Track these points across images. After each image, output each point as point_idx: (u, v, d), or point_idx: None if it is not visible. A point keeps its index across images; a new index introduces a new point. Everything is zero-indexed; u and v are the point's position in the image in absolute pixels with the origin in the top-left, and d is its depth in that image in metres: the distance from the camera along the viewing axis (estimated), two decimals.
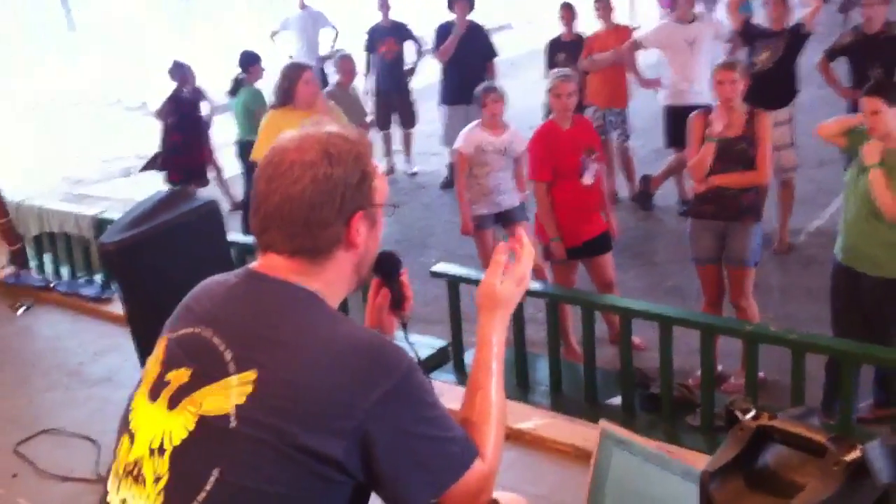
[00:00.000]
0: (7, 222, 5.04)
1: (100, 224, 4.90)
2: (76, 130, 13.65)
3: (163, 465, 1.50)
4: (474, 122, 5.86)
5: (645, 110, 8.62)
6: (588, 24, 8.34)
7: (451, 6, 8.67)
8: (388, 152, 9.66)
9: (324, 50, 10.23)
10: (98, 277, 4.67)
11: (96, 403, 3.23)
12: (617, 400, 4.01)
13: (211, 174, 8.83)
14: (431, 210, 8.44)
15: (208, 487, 1.44)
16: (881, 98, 4.08)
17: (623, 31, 8.06)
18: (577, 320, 4.54)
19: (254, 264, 1.65)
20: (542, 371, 4.28)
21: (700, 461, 2.15)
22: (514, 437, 2.84)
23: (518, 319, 4.08)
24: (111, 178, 11.13)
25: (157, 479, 1.50)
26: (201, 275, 1.78)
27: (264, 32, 10.78)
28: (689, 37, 7.34)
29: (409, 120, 9.52)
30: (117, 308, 4.06)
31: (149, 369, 1.63)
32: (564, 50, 8.08)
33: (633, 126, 8.11)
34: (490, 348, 1.75)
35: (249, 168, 7.58)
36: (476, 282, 4.30)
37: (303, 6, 10.39)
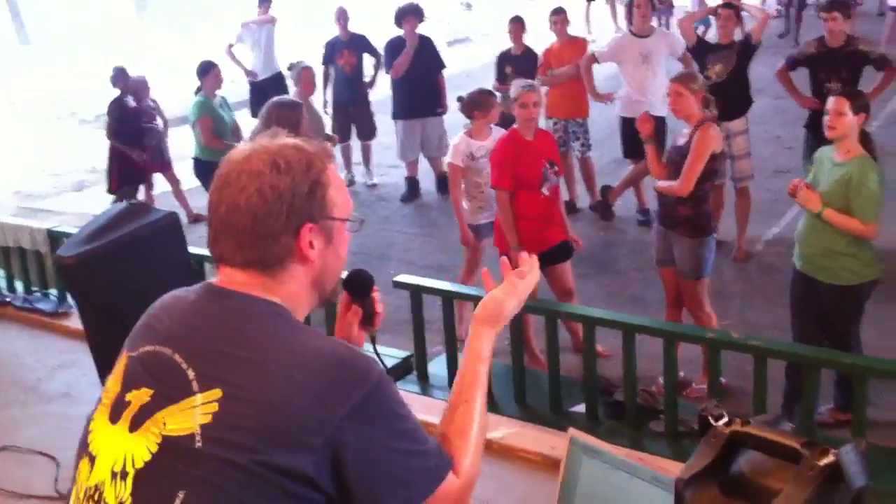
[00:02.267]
0: None
1: (55, 237, 4.80)
2: (28, 144, 13.43)
3: (125, 489, 1.44)
4: (461, 132, 5.85)
5: (601, 121, 8.69)
6: (542, 37, 8.42)
7: (399, 22, 8.71)
8: (348, 165, 9.64)
9: (281, 62, 10.18)
10: (54, 292, 4.59)
11: (55, 420, 3.16)
12: (581, 407, 4.01)
13: (166, 187, 8.79)
14: (391, 222, 8.43)
15: None
16: (849, 102, 4.26)
17: (579, 44, 8.16)
18: (538, 329, 4.54)
19: (213, 279, 1.61)
20: (505, 379, 4.27)
21: (668, 467, 2.16)
22: (484, 447, 2.82)
23: None
24: (63, 191, 10.98)
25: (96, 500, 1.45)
26: (162, 288, 1.73)
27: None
28: (644, 50, 7.44)
29: (368, 132, 9.51)
30: (74, 323, 3.98)
31: (108, 388, 1.57)
32: (513, 63, 8.15)
33: (591, 137, 8.19)
34: (482, 361, 1.72)
35: (206, 184, 7.56)
36: (437, 291, 4.35)
37: (264, 17, 10.33)
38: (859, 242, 4.29)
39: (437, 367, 4.41)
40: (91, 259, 2.93)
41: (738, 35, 7.06)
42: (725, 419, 1.48)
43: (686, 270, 4.91)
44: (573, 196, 8.15)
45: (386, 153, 9.80)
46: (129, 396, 1.51)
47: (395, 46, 8.83)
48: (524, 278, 1.80)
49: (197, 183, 8.14)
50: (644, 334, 3.79)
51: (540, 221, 5.21)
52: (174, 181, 8.82)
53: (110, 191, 8.47)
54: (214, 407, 1.42)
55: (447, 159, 5.97)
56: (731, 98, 6.51)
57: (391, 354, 4.31)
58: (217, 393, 1.43)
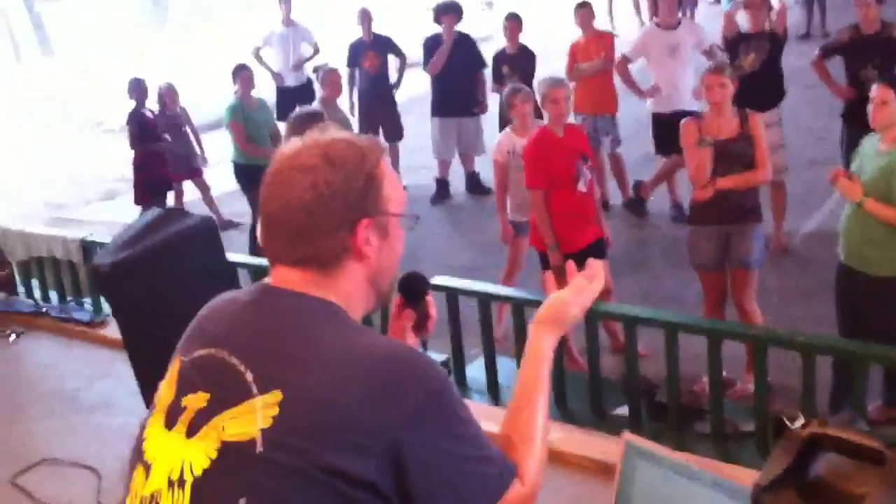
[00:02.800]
0: None
1: (87, 247, 4.82)
2: (53, 154, 13.53)
3: (183, 497, 1.39)
4: (507, 128, 5.83)
5: (629, 116, 8.60)
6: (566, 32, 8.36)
7: (437, 19, 8.68)
8: None
9: (307, 66, 10.16)
10: (88, 301, 4.59)
11: (94, 430, 3.15)
12: (623, 409, 3.94)
13: (196, 194, 8.80)
14: (421, 223, 8.33)
15: None
16: (894, 90, 4.16)
17: (605, 38, 8.09)
18: (577, 330, 4.47)
19: (267, 279, 1.55)
20: None
21: (720, 470, 2.09)
22: None
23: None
24: (93, 201, 11.04)
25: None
26: (199, 294, 1.69)
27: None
28: (672, 42, 7.37)
29: (395, 134, 9.47)
30: (111, 332, 3.97)
31: (161, 394, 1.52)
32: (509, 62, 8.10)
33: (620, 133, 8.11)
34: (545, 363, 1.66)
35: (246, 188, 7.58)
36: (475, 293, 4.29)
37: (287, 22, 10.29)
38: None
39: (475, 370, 4.37)
40: (126, 267, 2.91)
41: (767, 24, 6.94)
42: (801, 421, 1.42)
43: (752, 260, 4.83)
44: (605, 193, 8.05)
45: (413, 154, 9.75)
46: (184, 402, 1.46)
47: (433, 44, 8.79)
48: (591, 282, 1.73)
49: (232, 187, 8.14)
50: (687, 333, 3.71)
51: (575, 218, 5.15)
52: (204, 188, 8.83)
53: (137, 202, 8.50)
54: (275, 410, 1.36)
55: (492, 154, 5.94)
56: (764, 88, 6.44)
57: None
58: (277, 395, 1.37)
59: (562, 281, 1.74)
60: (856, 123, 5.42)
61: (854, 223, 4.35)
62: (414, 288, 1.85)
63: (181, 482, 1.40)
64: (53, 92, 17.47)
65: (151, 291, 2.94)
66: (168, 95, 8.46)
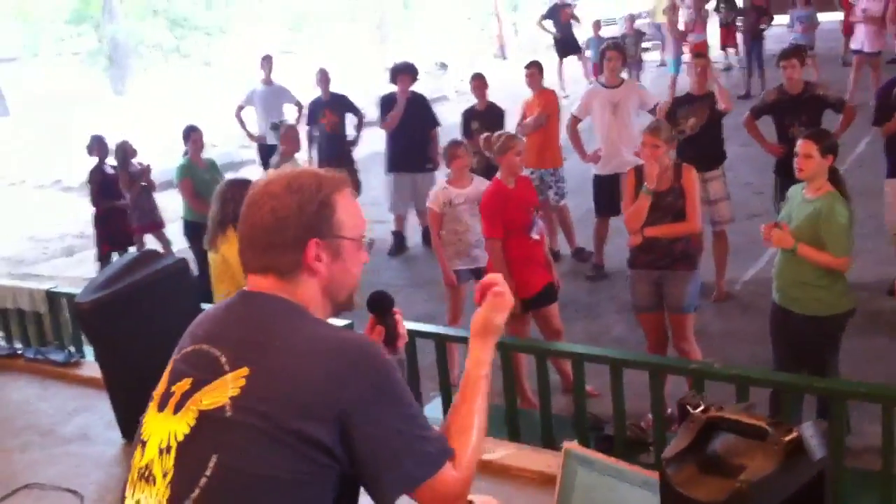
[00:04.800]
0: None
1: (53, 297, 4.97)
2: (14, 212, 13.59)
3: (170, 461, 1.66)
4: (441, 181, 6.10)
5: (577, 173, 8.89)
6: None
7: (393, 79, 9.02)
8: None
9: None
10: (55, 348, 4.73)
11: (74, 459, 3.26)
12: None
13: (157, 247, 8.97)
14: (378, 275, 8.60)
15: (208, 473, 1.61)
16: (816, 145, 4.49)
17: (547, 94, 8.40)
18: (530, 372, 4.70)
19: (245, 286, 1.84)
20: (500, 420, 4.42)
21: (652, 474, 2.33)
22: (483, 468, 2.97)
23: None
24: (53, 257, 11.12)
25: (165, 475, 1.66)
26: (173, 330, 1.95)
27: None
28: (613, 99, 7.62)
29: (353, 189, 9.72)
30: (87, 371, 4.11)
31: (157, 389, 1.79)
32: (478, 118, 8.41)
33: (567, 187, 8.41)
34: (482, 366, 1.92)
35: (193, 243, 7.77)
36: (430, 335, 4.50)
37: (267, 82, 10.70)
38: (832, 275, 4.48)
39: (432, 410, 4.53)
40: (106, 304, 3.12)
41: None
42: (702, 407, 1.68)
43: (683, 305, 5.09)
44: (554, 244, 8.37)
45: (371, 209, 10.00)
46: (173, 388, 1.74)
47: (388, 101, 9.16)
48: (503, 295, 2.00)
49: (186, 244, 8.32)
50: (630, 368, 3.95)
51: (529, 265, 5.39)
52: (165, 241, 9.01)
53: (100, 257, 8.69)
54: (242, 382, 1.65)
55: (427, 203, 6.21)
56: (705, 150, 6.76)
57: None
58: (245, 371, 1.66)
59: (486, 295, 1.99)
60: (787, 176, 5.65)
61: (786, 267, 4.63)
62: (380, 304, 2.10)
63: (168, 449, 1.68)
64: (11, 151, 17.54)
65: (128, 327, 3.15)
66: (126, 151, 8.72)
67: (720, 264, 7.13)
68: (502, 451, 3.05)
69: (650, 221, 5.03)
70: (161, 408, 1.74)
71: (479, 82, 8.62)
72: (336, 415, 1.62)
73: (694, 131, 6.84)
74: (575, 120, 8.00)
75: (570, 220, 8.44)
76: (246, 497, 1.61)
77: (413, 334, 4.48)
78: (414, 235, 9.54)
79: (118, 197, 8.62)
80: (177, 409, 1.70)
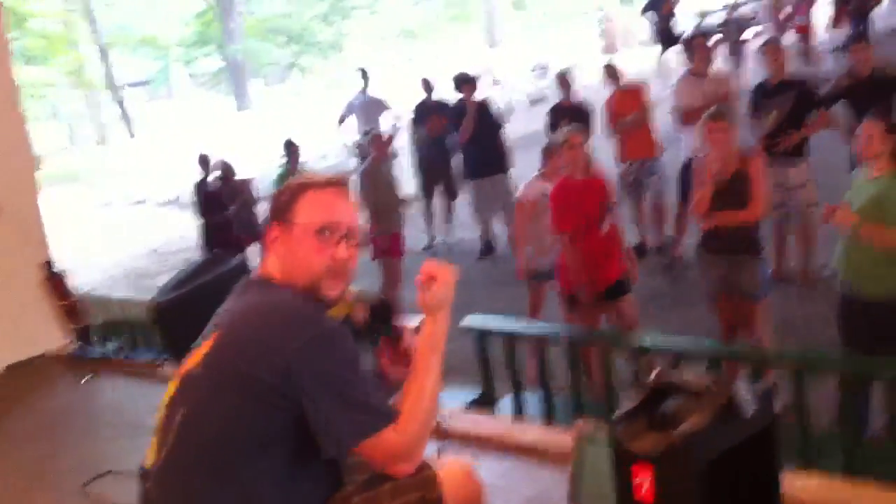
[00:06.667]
0: (71, 303, 5.56)
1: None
2: (138, 229, 14.39)
3: (161, 418, 2.01)
4: (534, 175, 6.18)
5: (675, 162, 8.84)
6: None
7: (458, 88, 9.34)
8: (430, 222, 10.14)
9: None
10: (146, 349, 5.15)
11: None
12: None
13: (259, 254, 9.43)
14: (469, 277, 8.77)
15: (179, 420, 1.93)
16: (880, 125, 4.50)
17: (635, 90, 8.45)
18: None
19: None
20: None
21: None
22: (513, 448, 3.18)
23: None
24: (173, 269, 11.74)
25: (157, 430, 2.01)
26: None
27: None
28: (706, 91, 7.39)
29: (452, 192, 10.03)
30: (171, 370, 4.46)
31: None
32: (567, 115, 8.42)
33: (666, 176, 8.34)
34: (436, 339, 2.11)
35: None
36: (501, 333, 4.63)
37: (365, 93, 11.23)
38: None
39: (505, 406, 4.67)
40: (177, 303, 3.43)
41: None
42: (655, 374, 1.82)
43: (752, 291, 5.10)
44: (644, 238, 8.38)
45: (465, 211, 10.23)
46: (187, 362, 2.06)
47: (455, 112, 9.46)
48: (441, 273, 2.15)
49: None
50: (694, 358, 4.01)
51: (600, 258, 5.43)
52: None
53: None
54: (212, 342, 1.95)
55: (517, 195, 6.29)
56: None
57: (461, 396, 4.65)
58: (217, 332, 1.97)
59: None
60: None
61: (853, 252, 4.57)
62: (380, 313, 2.29)
63: (163, 408, 2.03)
64: (137, 171, 18.55)
65: (197, 325, 3.44)
66: (226, 168, 9.26)
67: (806, 249, 7.01)
68: (532, 434, 3.23)
69: (715, 208, 5.05)
70: (175, 378, 2.09)
71: (563, 79, 8.75)
72: (284, 364, 1.87)
73: (774, 127, 6.72)
74: (675, 112, 7.83)
75: (664, 212, 8.40)
76: (208, 439, 1.89)
77: (484, 332, 4.65)
78: (501, 235, 9.69)
79: (222, 210, 9.11)
80: (177, 377, 2.05)
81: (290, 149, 8.79)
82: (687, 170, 7.67)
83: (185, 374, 2.00)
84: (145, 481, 2.06)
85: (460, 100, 9.32)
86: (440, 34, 33.53)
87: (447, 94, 10.12)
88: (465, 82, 9.26)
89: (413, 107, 10.31)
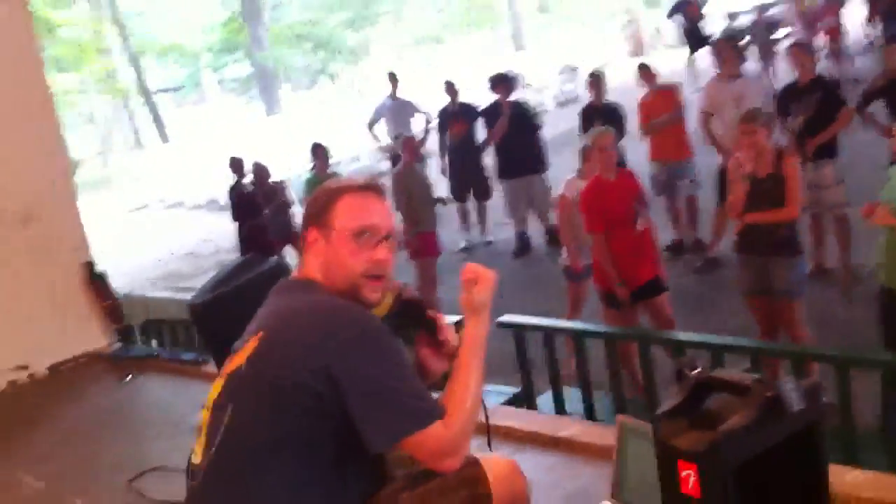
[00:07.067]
0: (112, 304, 5.65)
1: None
2: (173, 232, 14.54)
3: (207, 416, 2.04)
4: (572, 174, 6.20)
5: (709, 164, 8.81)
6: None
7: (494, 88, 9.37)
8: (465, 221, 10.22)
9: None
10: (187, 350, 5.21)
11: None
12: None
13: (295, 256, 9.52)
14: (504, 276, 8.78)
15: (226, 421, 1.96)
16: None
17: (666, 91, 8.42)
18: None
19: None
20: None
21: None
22: (553, 444, 3.20)
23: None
24: (208, 271, 11.87)
25: (204, 428, 2.04)
26: None
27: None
28: (734, 94, 7.41)
29: (483, 193, 10.08)
30: (212, 368, 4.51)
31: None
32: (599, 115, 8.36)
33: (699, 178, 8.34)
34: (477, 341, 2.14)
35: None
36: (539, 328, 4.66)
37: (393, 96, 11.21)
38: None
39: (543, 402, 4.69)
40: (214, 304, 3.47)
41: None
42: (699, 370, 1.83)
43: (788, 290, 5.08)
44: (681, 236, 8.36)
45: (499, 211, 10.26)
46: (232, 363, 2.09)
47: (489, 113, 9.50)
48: (475, 273, 2.19)
49: None
50: (733, 354, 3.99)
51: (634, 257, 5.47)
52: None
53: None
54: (256, 343, 1.99)
55: (559, 191, 6.30)
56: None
57: (499, 391, 4.69)
58: (261, 334, 2.00)
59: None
60: None
61: (890, 249, 4.58)
62: (410, 312, 2.30)
63: (209, 409, 2.06)
64: (170, 174, 18.75)
65: (234, 325, 3.49)
66: (261, 170, 9.34)
67: (843, 249, 6.96)
68: (574, 429, 3.24)
69: (750, 208, 5.06)
70: (220, 377, 2.12)
71: (594, 80, 8.75)
72: (323, 365, 1.89)
73: (801, 128, 6.69)
74: (706, 115, 7.81)
75: (697, 213, 8.38)
76: (256, 440, 1.92)
77: (522, 328, 4.67)
78: (536, 236, 9.70)
79: (257, 213, 9.19)
80: (222, 377, 2.09)
81: (317, 152, 8.84)
82: (724, 173, 7.67)
83: (230, 373, 2.03)
84: (193, 479, 2.09)
85: (496, 100, 9.34)
86: (465, 38, 33.60)
87: (474, 96, 10.17)
88: (500, 82, 9.30)
89: (437, 112, 10.37)
